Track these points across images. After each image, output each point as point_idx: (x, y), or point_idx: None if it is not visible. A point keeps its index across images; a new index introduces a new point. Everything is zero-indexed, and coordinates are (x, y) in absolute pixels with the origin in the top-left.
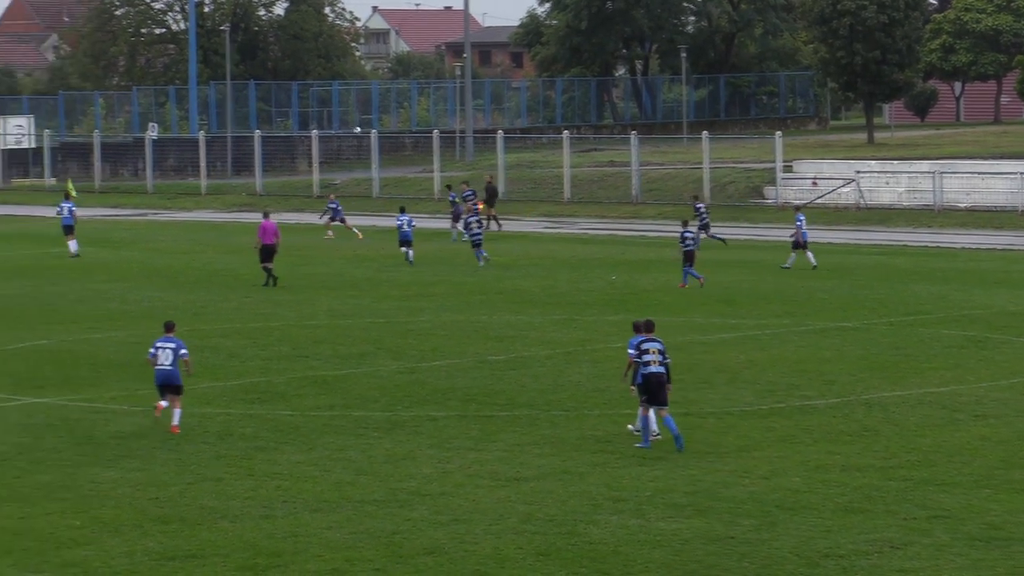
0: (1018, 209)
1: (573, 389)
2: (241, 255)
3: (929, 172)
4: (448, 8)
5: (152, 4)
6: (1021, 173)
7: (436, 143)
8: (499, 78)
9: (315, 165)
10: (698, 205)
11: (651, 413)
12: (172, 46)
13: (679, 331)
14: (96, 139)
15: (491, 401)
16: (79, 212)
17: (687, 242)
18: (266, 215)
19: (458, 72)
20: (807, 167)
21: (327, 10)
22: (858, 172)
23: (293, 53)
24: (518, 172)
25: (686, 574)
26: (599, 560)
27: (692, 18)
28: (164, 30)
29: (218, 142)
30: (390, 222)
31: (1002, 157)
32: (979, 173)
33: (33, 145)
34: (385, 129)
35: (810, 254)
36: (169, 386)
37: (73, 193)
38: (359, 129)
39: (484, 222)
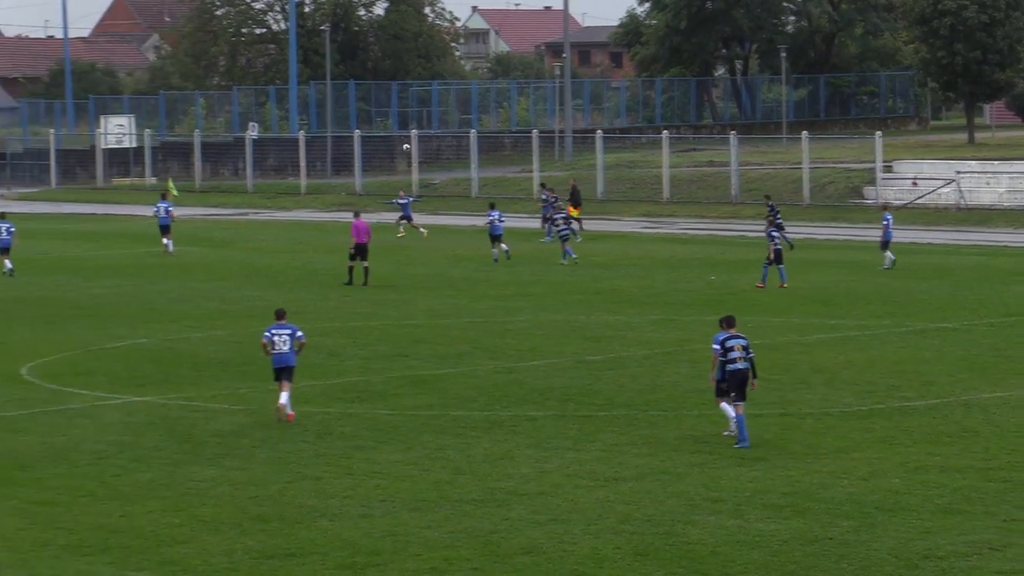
0: None
1: (671, 389)
2: (340, 254)
3: None
4: (547, 8)
5: (252, 4)
6: None
7: (535, 143)
8: (599, 78)
9: (414, 165)
10: (770, 204)
11: (725, 405)
12: (272, 46)
13: (777, 331)
14: (196, 139)
15: (589, 401)
16: (178, 211)
17: (775, 240)
18: (357, 214)
19: (557, 72)
20: (907, 167)
21: (427, 10)
22: (958, 172)
23: (393, 53)
24: (617, 172)
25: (784, 575)
26: (697, 561)
27: (792, 18)
28: (264, 30)
29: (318, 142)
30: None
31: None
32: None
33: (134, 145)
34: (484, 129)
35: (889, 254)
36: (285, 369)
37: (175, 192)
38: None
39: (572, 222)
